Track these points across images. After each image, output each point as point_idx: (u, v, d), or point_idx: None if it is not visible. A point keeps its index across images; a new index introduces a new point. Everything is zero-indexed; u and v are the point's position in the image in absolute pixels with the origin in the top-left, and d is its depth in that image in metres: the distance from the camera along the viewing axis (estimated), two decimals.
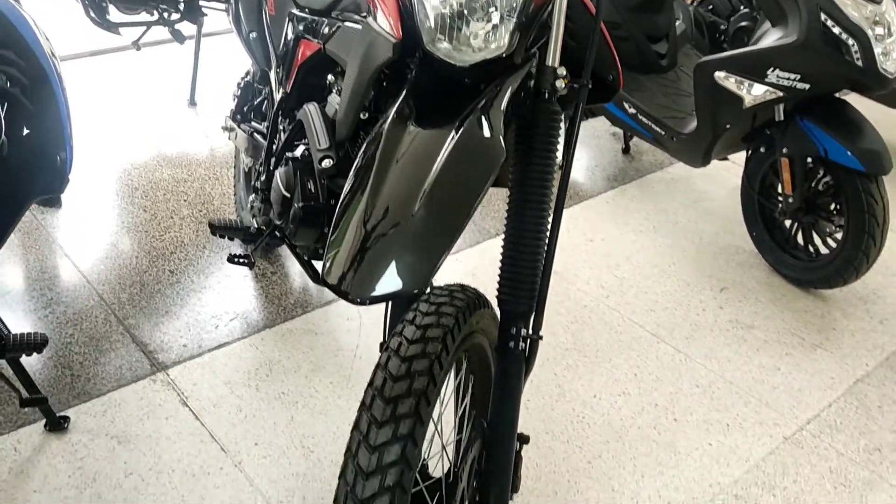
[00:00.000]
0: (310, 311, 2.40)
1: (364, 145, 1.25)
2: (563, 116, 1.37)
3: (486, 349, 1.45)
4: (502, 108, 1.26)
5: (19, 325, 2.27)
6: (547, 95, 1.34)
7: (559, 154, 1.38)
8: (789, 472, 1.97)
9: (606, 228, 2.93)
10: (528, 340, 1.36)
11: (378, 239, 1.03)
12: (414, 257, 1.02)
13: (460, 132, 1.20)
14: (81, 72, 3.85)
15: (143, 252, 2.61)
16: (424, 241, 1.04)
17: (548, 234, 1.37)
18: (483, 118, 1.22)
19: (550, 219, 1.37)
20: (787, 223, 2.66)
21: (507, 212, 1.37)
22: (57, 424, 1.95)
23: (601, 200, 3.12)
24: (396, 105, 1.28)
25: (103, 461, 1.88)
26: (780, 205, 2.56)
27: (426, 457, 1.38)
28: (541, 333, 1.38)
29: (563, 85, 1.35)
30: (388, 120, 1.24)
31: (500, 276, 1.38)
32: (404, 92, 1.32)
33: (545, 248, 1.37)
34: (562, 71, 1.34)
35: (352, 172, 1.20)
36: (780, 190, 2.55)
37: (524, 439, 1.45)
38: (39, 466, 1.86)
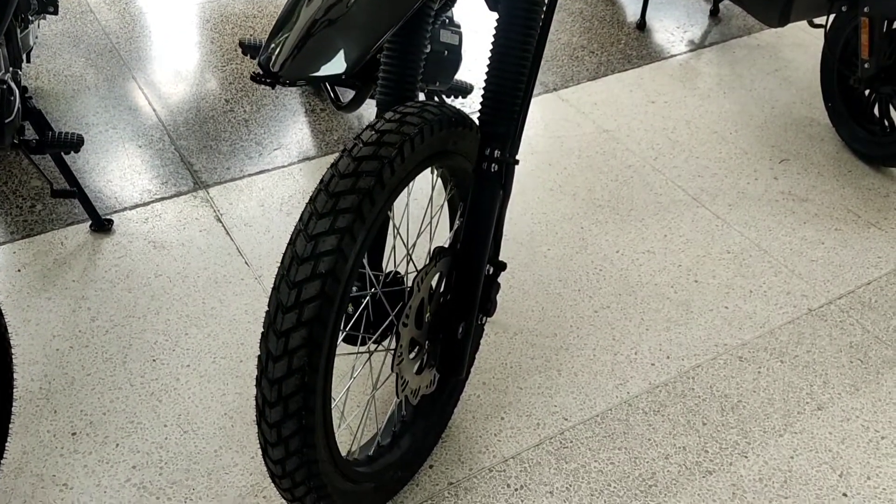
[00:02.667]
0: None
1: None
2: None
3: (470, 173, 1.44)
4: None
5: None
6: None
7: None
8: (805, 341, 1.91)
9: (672, 91, 2.80)
10: (505, 164, 1.36)
11: (312, 29, 1.03)
12: (344, 45, 1.02)
13: None
14: None
15: (203, 81, 2.70)
16: (355, 31, 1.04)
17: (532, 56, 1.33)
18: None
19: (536, 40, 1.33)
20: (865, 94, 2.46)
21: (493, 32, 1.34)
22: (101, 225, 2.11)
23: (674, 63, 2.96)
24: None
25: (138, 262, 2.03)
26: (858, 72, 2.36)
27: (394, 268, 1.43)
28: (517, 158, 1.37)
29: None
30: None
31: (482, 96, 1.36)
32: None
33: (528, 70, 1.33)
34: None
35: None
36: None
37: (500, 265, 1.47)
38: (80, 260, 2.03)
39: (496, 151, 1.34)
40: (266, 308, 1.13)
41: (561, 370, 1.82)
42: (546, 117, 2.64)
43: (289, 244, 1.13)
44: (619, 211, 2.27)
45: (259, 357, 1.13)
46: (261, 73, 1.98)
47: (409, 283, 1.33)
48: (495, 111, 1.33)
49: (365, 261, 1.36)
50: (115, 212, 2.18)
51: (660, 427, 1.71)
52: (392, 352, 1.31)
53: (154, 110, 2.55)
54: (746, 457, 1.66)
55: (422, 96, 2.25)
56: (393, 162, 1.18)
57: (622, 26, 3.15)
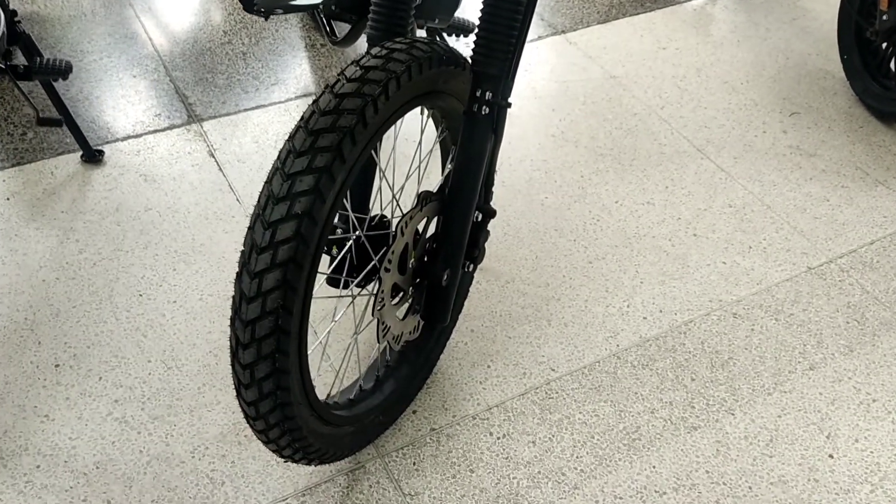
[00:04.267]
0: None
1: None
2: None
3: (461, 115, 1.40)
4: None
5: (57, 58, 2.38)
6: None
7: None
8: (801, 300, 1.88)
9: (685, 37, 2.71)
10: (496, 107, 1.31)
11: None
12: None
13: None
14: None
15: (202, 10, 2.63)
16: None
17: None
18: None
19: None
20: (882, 47, 2.38)
21: None
22: (92, 156, 2.07)
23: (688, 7, 2.87)
24: None
25: (128, 194, 2.00)
26: (876, 24, 2.27)
27: (381, 211, 1.39)
28: (509, 101, 1.32)
29: None
30: None
31: (475, 34, 1.30)
32: None
33: (524, 9, 1.27)
34: None
35: None
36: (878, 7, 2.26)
37: (489, 212, 1.43)
38: (70, 191, 2.00)
39: (487, 93, 1.28)
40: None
41: (551, 320, 1.79)
42: (552, 60, 2.56)
43: (266, 182, 1.10)
44: (621, 160, 2.22)
45: (233, 297, 1.11)
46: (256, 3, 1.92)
47: (394, 228, 1.30)
48: (488, 51, 1.27)
49: (348, 203, 1.32)
50: (107, 143, 2.14)
51: (647, 381, 1.69)
52: (374, 296, 1.28)
53: (150, 39, 2.49)
54: (733, 414, 1.64)
55: (422, 34, 2.18)
56: (377, 100, 1.13)
57: None
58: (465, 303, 1.79)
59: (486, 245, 1.92)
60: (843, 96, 2.50)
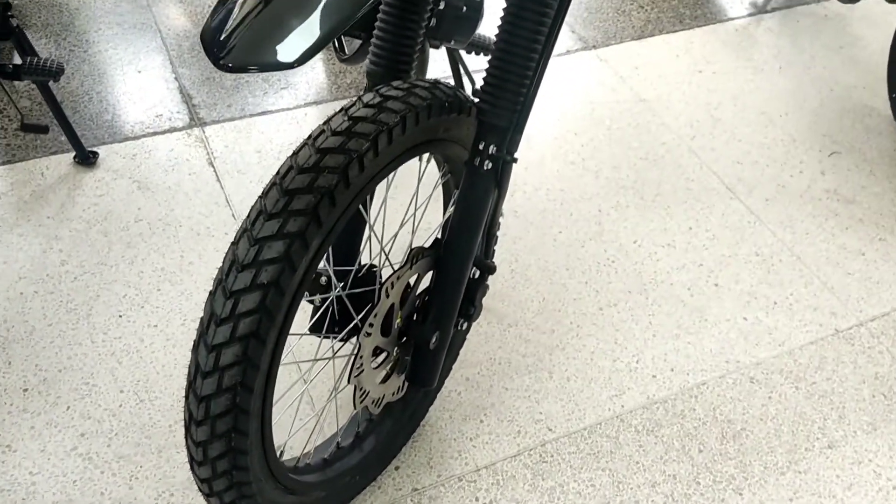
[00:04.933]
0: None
1: None
2: None
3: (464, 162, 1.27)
4: None
5: (74, 54, 2.28)
6: None
7: None
8: (826, 367, 1.74)
9: (723, 60, 2.55)
10: (501, 162, 1.18)
11: (260, 14, 0.86)
12: (297, 33, 0.85)
13: None
14: None
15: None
16: (308, 20, 0.86)
17: (544, 42, 1.13)
18: None
19: (549, 25, 1.13)
20: None
21: (503, 7, 1.14)
22: (86, 158, 1.97)
23: (730, 27, 2.70)
24: None
25: (119, 202, 1.90)
26: None
27: (370, 259, 1.28)
28: (515, 156, 1.19)
29: None
30: None
31: (483, 78, 1.17)
32: None
33: (538, 60, 1.14)
34: None
35: None
36: None
37: (488, 268, 1.31)
38: (59, 195, 1.91)
39: (491, 147, 1.16)
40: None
41: (553, 373, 1.67)
42: (580, 78, 2.42)
43: (232, 244, 0.99)
44: (643, 195, 2.08)
45: (189, 367, 1.00)
46: None
47: (379, 285, 1.18)
48: (495, 100, 1.15)
49: (330, 258, 1.21)
50: (103, 144, 2.04)
51: (651, 449, 1.57)
52: (351, 361, 1.17)
53: (160, 32, 2.39)
54: (741, 494, 1.52)
55: (441, 52, 2.05)
56: (363, 157, 1.01)
57: None
58: (463, 348, 1.68)
59: (492, 280, 1.80)
60: (889, 138, 2.33)
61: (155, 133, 2.08)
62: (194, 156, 2.04)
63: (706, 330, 1.79)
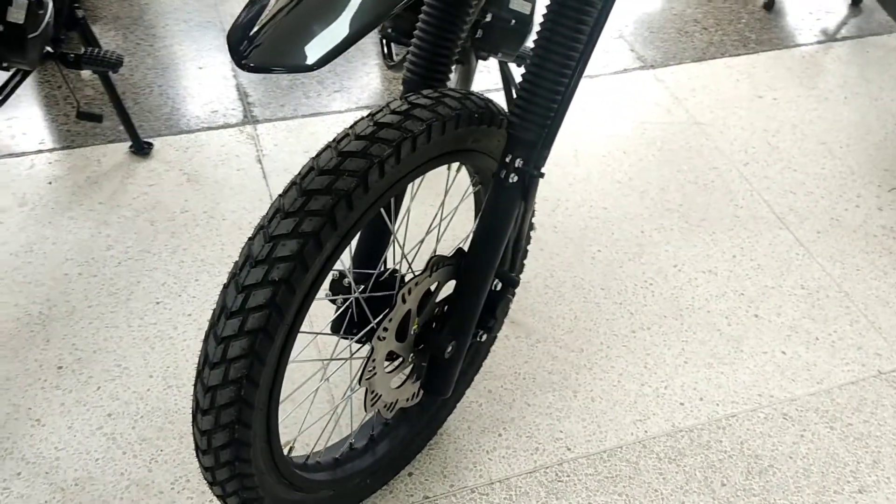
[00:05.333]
0: None
1: None
2: None
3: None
4: None
5: (140, 47, 2.35)
6: None
7: None
8: (864, 408, 1.68)
9: (786, 87, 2.49)
10: (528, 176, 1.17)
11: (287, 14, 0.87)
12: (321, 36, 0.86)
13: None
14: None
15: None
16: (330, 23, 0.87)
17: (577, 59, 1.12)
18: None
19: (584, 43, 1.12)
20: None
21: (540, 23, 1.14)
22: (140, 148, 2.04)
23: (797, 54, 2.63)
24: None
25: (168, 193, 1.96)
26: None
27: (394, 264, 1.28)
28: (542, 171, 1.18)
29: None
30: None
31: (516, 91, 1.17)
32: None
33: (570, 75, 1.13)
34: None
35: None
36: None
37: (512, 282, 1.30)
38: (112, 182, 1.97)
39: (518, 160, 1.15)
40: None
41: (578, 392, 1.65)
42: (634, 97, 2.39)
43: (248, 239, 1.01)
44: (688, 219, 2.04)
45: (199, 356, 1.02)
46: None
47: (398, 291, 1.19)
48: (525, 113, 1.14)
49: (349, 259, 1.22)
50: (159, 135, 2.10)
51: (671, 478, 1.53)
52: (363, 364, 1.18)
53: (224, 30, 2.45)
54: None
55: (487, 62, 2.05)
56: (384, 163, 1.02)
57: (747, 2, 2.82)
58: (488, 359, 1.67)
59: (524, 294, 1.80)
60: None
61: (209, 128, 2.14)
62: (244, 152, 2.08)
63: (741, 361, 1.74)
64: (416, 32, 1.22)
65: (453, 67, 1.26)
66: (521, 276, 1.84)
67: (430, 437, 1.52)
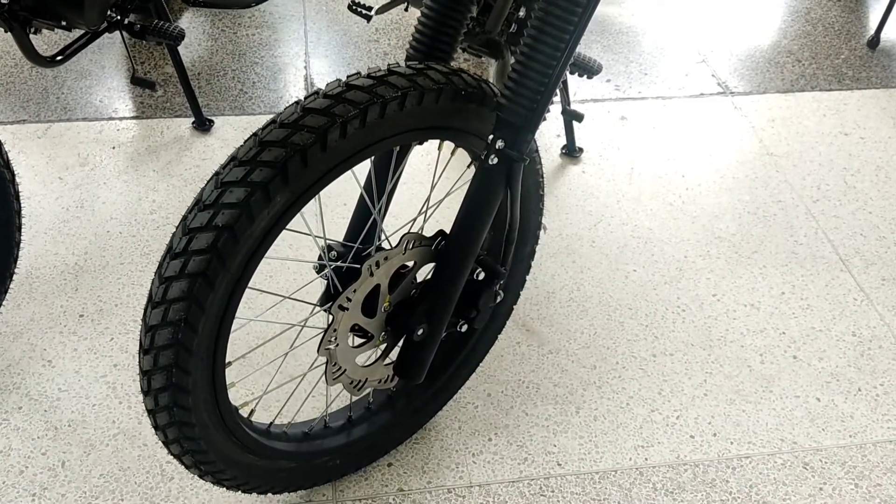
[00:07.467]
0: None
1: None
2: None
3: None
4: None
5: (224, 33, 2.46)
6: None
7: None
8: None
9: (876, 127, 2.32)
10: (509, 160, 1.13)
11: None
12: None
13: None
14: None
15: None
16: None
17: (567, 46, 1.08)
18: None
19: (574, 30, 1.07)
20: None
21: (534, 8, 1.10)
22: (202, 124, 2.12)
23: (894, 94, 2.45)
24: None
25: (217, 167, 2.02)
26: None
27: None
28: (525, 156, 1.14)
29: None
30: None
31: (507, 75, 1.14)
32: None
33: (559, 58, 1.08)
34: None
35: None
36: None
37: (495, 273, 1.26)
38: (169, 152, 2.06)
39: (499, 142, 1.12)
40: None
41: (581, 408, 1.58)
42: (704, 122, 2.29)
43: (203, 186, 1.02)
44: (739, 249, 1.92)
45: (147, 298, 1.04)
46: (359, 3, 1.86)
47: (366, 262, 1.17)
48: (513, 94, 1.11)
49: (322, 232, 1.22)
50: (222, 115, 2.18)
51: None
52: (323, 333, 1.16)
53: (304, 24, 2.53)
54: None
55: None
56: (347, 124, 1.02)
57: (850, 39, 2.66)
58: (493, 363, 1.62)
59: (544, 304, 1.74)
60: None
61: (270, 112, 2.20)
62: None
63: (768, 402, 1.61)
64: (421, 11, 1.21)
65: (473, 51, 1.24)
66: (545, 285, 1.79)
67: (414, 429, 1.48)
